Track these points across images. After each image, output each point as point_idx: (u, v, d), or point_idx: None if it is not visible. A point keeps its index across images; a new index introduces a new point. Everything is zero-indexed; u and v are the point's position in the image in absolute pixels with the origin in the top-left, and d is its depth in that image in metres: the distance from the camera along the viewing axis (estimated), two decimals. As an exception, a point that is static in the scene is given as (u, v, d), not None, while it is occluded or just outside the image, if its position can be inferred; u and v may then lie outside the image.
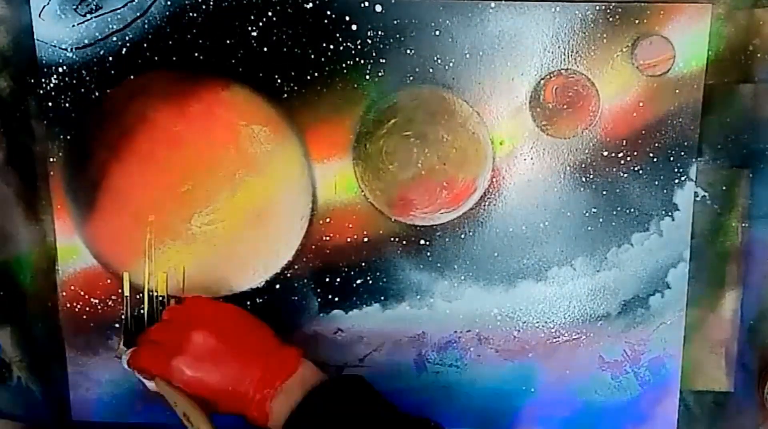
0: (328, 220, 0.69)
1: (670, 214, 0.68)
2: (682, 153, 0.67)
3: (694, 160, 0.67)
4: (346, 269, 0.70)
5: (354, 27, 0.65)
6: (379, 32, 0.65)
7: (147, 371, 0.62)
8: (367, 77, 0.66)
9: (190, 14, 0.66)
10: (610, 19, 0.64)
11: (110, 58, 0.67)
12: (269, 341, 0.63)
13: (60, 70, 0.67)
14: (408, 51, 0.66)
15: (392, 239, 0.69)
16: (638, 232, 0.68)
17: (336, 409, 0.57)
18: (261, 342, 0.63)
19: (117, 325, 0.72)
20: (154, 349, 0.63)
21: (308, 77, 0.66)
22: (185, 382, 0.60)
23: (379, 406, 0.59)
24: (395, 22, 0.65)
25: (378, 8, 0.65)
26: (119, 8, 0.66)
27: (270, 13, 0.65)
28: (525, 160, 0.67)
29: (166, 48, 0.66)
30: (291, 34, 0.66)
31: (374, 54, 0.66)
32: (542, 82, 0.66)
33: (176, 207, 0.69)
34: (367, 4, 0.65)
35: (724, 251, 0.69)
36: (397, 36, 0.65)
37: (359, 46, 0.66)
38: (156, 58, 0.67)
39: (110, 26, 0.66)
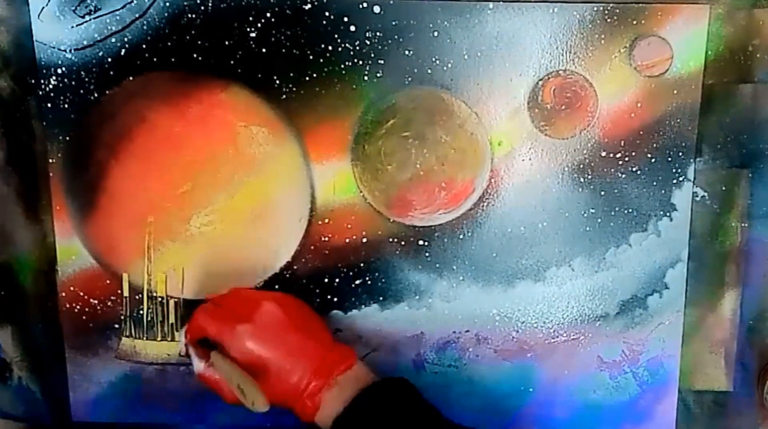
0: (326, 220, 0.69)
1: (668, 214, 0.68)
2: (681, 153, 0.67)
3: (692, 160, 0.67)
4: (344, 270, 0.70)
5: (352, 28, 0.65)
6: (378, 33, 0.65)
7: (205, 331, 0.61)
8: (366, 78, 0.66)
9: (189, 15, 0.66)
10: (608, 20, 0.64)
11: (109, 60, 0.67)
12: (327, 334, 0.63)
13: (59, 71, 0.67)
14: (406, 52, 0.66)
15: (391, 240, 0.69)
16: (636, 232, 0.68)
17: (389, 409, 0.58)
18: (321, 333, 0.63)
19: (117, 326, 0.72)
20: (219, 311, 0.62)
21: (307, 78, 0.66)
22: (244, 353, 0.59)
23: (428, 410, 0.59)
24: (394, 23, 0.65)
25: (376, 9, 0.65)
26: (118, 9, 0.66)
27: (268, 14, 0.66)
28: (523, 160, 0.67)
29: (165, 49, 0.66)
30: (289, 35, 0.66)
31: (373, 55, 0.66)
32: (540, 82, 0.66)
33: (175, 208, 0.69)
34: (365, 5, 0.65)
35: (723, 251, 0.69)
36: (396, 37, 0.65)
37: (358, 47, 0.66)
38: (155, 59, 0.67)
39: (109, 27, 0.66)
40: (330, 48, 0.66)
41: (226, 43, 0.66)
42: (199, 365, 0.63)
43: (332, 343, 0.62)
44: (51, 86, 0.68)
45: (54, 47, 0.67)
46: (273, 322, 0.61)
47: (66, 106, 0.68)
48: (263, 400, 0.57)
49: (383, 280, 0.70)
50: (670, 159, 0.67)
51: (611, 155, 0.67)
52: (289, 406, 0.60)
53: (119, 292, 0.71)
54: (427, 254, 0.69)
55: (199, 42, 0.66)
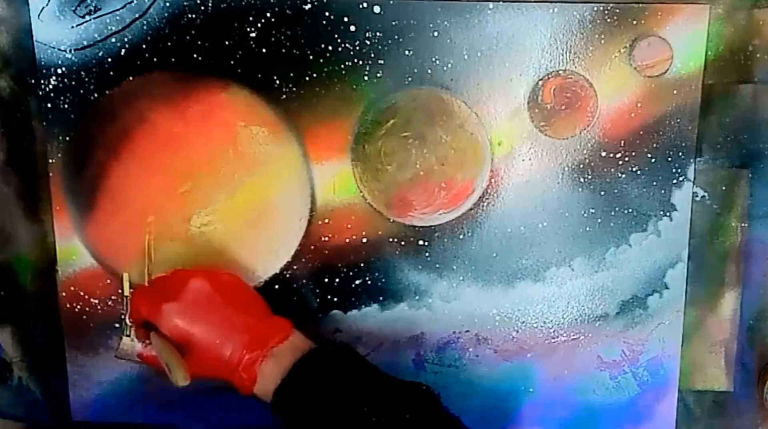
0: (326, 220, 0.69)
1: (668, 214, 0.68)
2: (680, 153, 0.67)
3: (692, 160, 0.67)
4: (344, 270, 0.70)
5: (352, 28, 0.65)
6: (378, 33, 0.65)
7: (139, 313, 0.62)
8: (366, 78, 0.66)
9: (189, 15, 0.66)
10: (608, 20, 0.64)
11: (109, 60, 0.67)
12: (262, 307, 0.63)
13: (59, 71, 0.67)
14: (406, 52, 0.66)
15: (391, 240, 0.69)
16: (636, 232, 0.68)
17: (330, 374, 0.57)
18: (256, 307, 0.63)
19: (117, 325, 0.72)
20: (149, 292, 0.63)
21: (307, 78, 0.66)
22: (173, 330, 0.60)
23: (371, 371, 0.59)
24: (394, 23, 0.65)
25: (376, 9, 0.65)
26: (118, 9, 0.66)
27: (269, 14, 0.66)
28: (523, 160, 0.67)
29: (165, 49, 0.66)
30: (290, 35, 0.66)
31: (373, 55, 0.66)
32: (540, 82, 0.66)
33: (175, 207, 0.69)
34: (365, 5, 0.65)
35: (723, 251, 0.69)
36: (396, 37, 0.65)
37: (358, 47, 0.66)
38: (155, 59, 0.67)
39: (109, 28, 0.66)
40: (330, 48, 0.66)
41: (226, 43, 0.66)
42: (137, 346, 0.63)
43: (268, 316, 0.62)
44: (51, 86, 0.68)
45: (54, 47, 0.67)
46: (200, 299, 0.61)
47: (66, 106, 0.68)
48: (183, 376, 0.57)
49: (383, 280, 0.70)
50: (670, 159, 0.67)
51: (611, 155, 0.67)
52: (227, 380, 0.60)
53: (119, 292, 0.71)
54: (427, 254, 0.69)
55: (199, 42, 0.66)
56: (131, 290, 0.65)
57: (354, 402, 0.56)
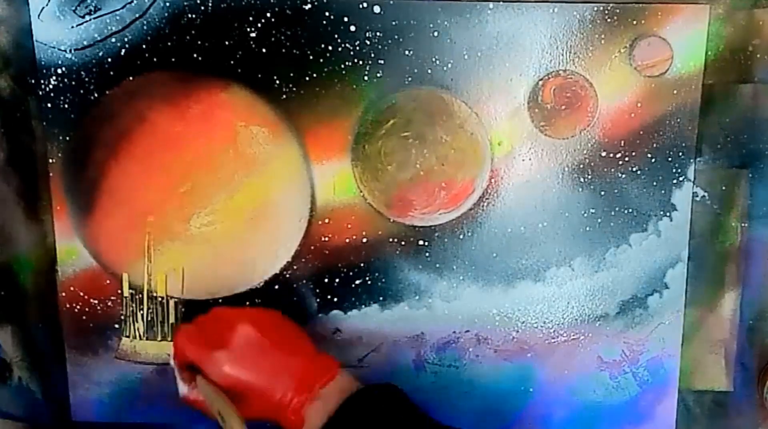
0: (326, 220, 0.69)
1: (668, 214, 0.68)
2: (681, 153, 0.67)
3: (692, 160, 0.67)
4: (344, 270, 0.70)
5: (352, 28, 0.65)
6: (378, 33, 0.65)
7: (185, 356, 0.61)
8: (366, 78, 0.66)
9: (189, 15, 0.66)
10: (608, 20, 0.64)
11: (109, 60, 0.67)
12: (308, 347, 0.62)
13: (59, 71, 0.67)
14: (406, 52, 0.66)
15: (391, 240, 0.69)
16: (636, 232, 0.68)
17: (374, 417, 0.57)
18: (301, 346, 0.62)
19: (117, 326, 0.72)
20: (196, 335, 0.62)
21: (307, 78, 0.66)
22: (223, 378, 0.59)
23: (414, 414, 0.59)
24: (394, 23, 0.65)
25: (376, 9, 0.65)
26: (118, 9, 0.66)
27: (269, 14, 0.66)
28: (523, 160, 0.67)
29: (165, 49, 0.66)
30: (290, 35, 0.66)
31: (373, 55, 0.66)
32: (540, 82, 0.66)
33: (175, 208, 0.69)
34: (365, 5, 0.65)
35: (723, 251, 0.69)
36: (396, 37, 0.65)
37: (358, 47, 0.66)
38: (155, 59, 0.67)
39: (109, 27, 0.66)
40: (330, 48, 0.66)
41: (226, 43, 0.66)
42: (183, 388, 0.63)
43: (314, 356, 0.62)
44: (51, 86, 0.68)
45: (54, 47, 0.67)
46: (249, 344, 0.60)
47: (66, 106, 0.68)
48: (240, 424, 0.57)
49: (383, 280, 0.70)
50: (670, 159, 0.67)
51: (611, 155, 0.67)
52: (275, 420, 0.60)
53: (119, 292, 0.71)
54: (427, 254, 0.69)
55: (199, 42, 0.66)
56: (175, 330, 0.64)
57: None
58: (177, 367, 0.63)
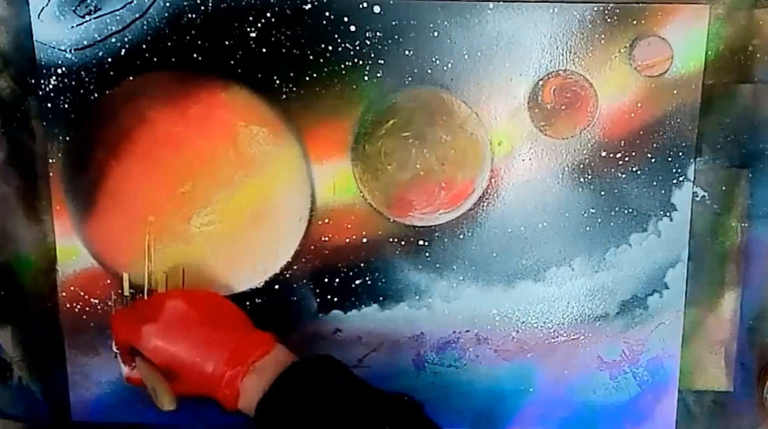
0: (326, 220, 0.69)
1: (668, 214, 0.68)
2: (680, 153, 0.67)
3: (692, 160, 0.67)
4: (344, 270, 0.70)
5: (352, 28, 0.65)
6: (378, 33, 0.65)
7: (119, 337, 0.62)
8: (366, 78, 0.66)
9: (189, 15, 0.66)
10: (608, 20, 0.64)
11: (109, 60, 0.67)
12: (243, 322, 0.63)
13: (59, 71, 0.67)
14: (406, 52, 0.66)
15: (391, 240, 0.69)
16: (636, 232, 0.68)
17: (312, 387, 0.57)
18: (235, 322, 0.63)
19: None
20: (127, 315, 0.63)
21: (307, 78, 0.66)
22: (154, 352, 0.60)
23: (354, 383, 0.59)
24: (394, 23, 0.65)
25: (376, 9, 0.65)
26: (118, 9, 0.66)
27: (269, 14, 0.66)
28: (523, 160, 0.67)
29: (165, 49, 0.66)
30: (290, 35, 0.66)
31: (373, 55, 0.66)
32: (540, 82, 0.66)
33: (175, 208, 0.69)
34: (365, 5, 0.65)
35: (723, 251, 0.69)
36: (396, 37, 0.65)
37: (358, 47, 0.66)
38: (155, 59, 0.67)
39: (109, 27, 0.66)
40: (330, 48, 0.66)
41: (226, 43, 0.66)
42: (124, 370, 0.64)
43: (249, 331, 0.62)
44: (51, 86, 0.68)
45: (54, 47, 0.67)
46: (178, 318, 0.61)
47: (66, 106, 0.68)
48: (170, 400, 0.58)
49: (383, 280, 0.70)
50: (670, 159, 0.67)
51: (611, 155, 0.67)
52: (212, 396, 0.60)
53: (119, 292, 0.71)
54: (427, 254, 0.69)
55: (199, 42, 0.66)
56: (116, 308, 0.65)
57: (336, 414, 0.55)
58: (118, 349, 0.64)
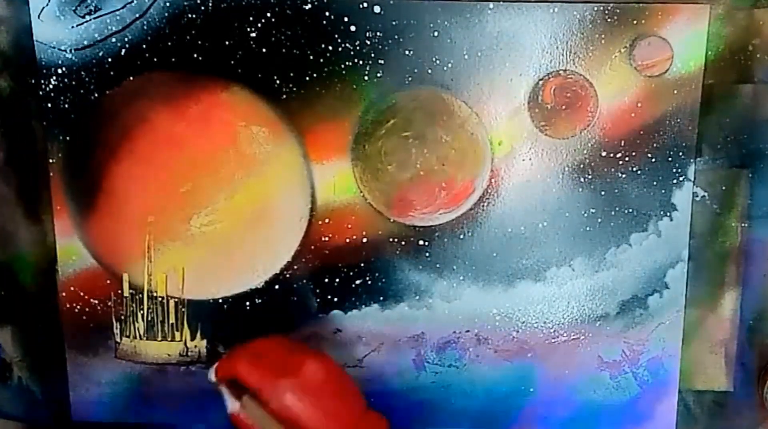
0: (327, 220, 0.69)
1: (668, 214, 0.68)
2: (681, 153, 0.67)
3: (692, 160, 0.67)
4: (345, 270, 0.70)
5: (353, 28, 0.65)
6: (378, 33, 0.65)
7: (242, 379, 0.60)
8: (366, 78, 0.66)
9: (190, 15, 0.66)
10: (609, 20, 0.64)
11: (109, 60, 0.67)
12: (360, 400, 0.62)
13: (59, 71, 0.67)
14: (407, 52, 0.66)
15: (391, 240, 0.69)
16: (637, 232, 0.68)
17: None
18: (356, 399, 0.62)
19: (117, 326, 0.72)
20: (257, 360, 0.61)
21: (307, 78, 0.66)
22: (282, 408, 0.58)
23: None
24: (394, 23, 0.65)
25: (377, 9, 0.65)
26: (118, 9, 0.66)
27: (269, 14, 0.66)
28: (523, 160, 0.67)
29: (165, 49, 0.66)
30: (290, 35, 0.66)
31: (373, 55, 0.66)
32: (541, 82, 0.66)
33: (175, 208, 0.69)
34: (365, 5, 0.65)
35: (723, 251, 0.69)
36: (396, 37, 0.65)
37: (358, 47, 0.66)
38: (155, 59, 0.67)
39: (109, 27, 0.66)
40: (330, 48, 0.66)
41: (226, 43, 0.66)
42: (233, 405, 0.61)
43: (365, 412, 0.61)
44: (51, 86, 0.68)
45: (54, 47, 0.67)
46: (315, 382, 0.59)
47: (66, 106, 0.68)
48: None
49: (383, 280, 0.70)
50: (670, 159, 0.67)
51: (611, 155, 0.67)
52: None
53: (119, 292, 0.71)
54: (427, 254, 0.69)
55: (199, 42, 0.66)
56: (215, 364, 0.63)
57: None
58: (220, 382, 0.62)
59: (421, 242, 0.69)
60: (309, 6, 0.65)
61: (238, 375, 0.61)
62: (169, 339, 0.72)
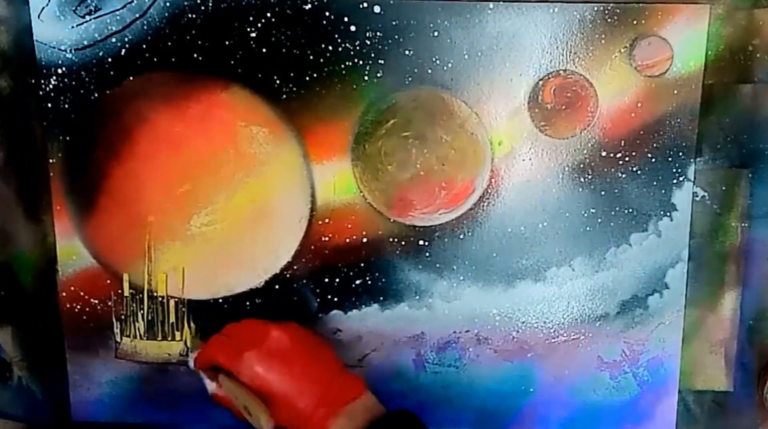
0: (327, 220, 0.69)
1: (668, 214, 0.68)
2: (681, 153, 0.67)
3: (692, 160, 0.67)
4: (345, 270, 0.70)
5: (353, 28, 0.65)
6: (378, 33, 0.65)
7: (215, 361, 0.62)
8: (366, 78, 0.66)
9: (189, 15, 0.66)
10: (609, 20, 0.64)
11: (109, 60, 0.67)
12: (336, 362, 0.63)
13: (59, 71, 0.67)
14: (407, 52, 0.66)
15: (391, 240, 0.69)
16: (637, 232, 0.68)
17: None
18: (329, 360, 0.63)
19: (117, 326, 0.72)
20: (226, 341, 0.63)
21: (307, 78, 0.66)
22: (252, 378, 0.60)
23: None
24: (394, 23, 0.65)
25: (377, 9, 0.65)
26: (118, 9, 0.66)
27: (269, 14, 0.66)
28: (523, 160, 0.67)
29: (165, 49, 0.66)
30: (290, 35, 0.66)
31: (373, 55, 0.66)
32: (541, 82, 0.66)
33: (175, 208, 0.69)
34: (365, 5, 0.65)
35: (723, 251, 0.69)
36: (396, 37, 0.65)
37: (358, 47, 0.66)
38: (155, 59, 0.67)
39: (109, 27, 0.66)
40: (330, 48, 0.66)
41: (226, 43, 0.66)
42: (211, 386, 0.64)
43: (341, 373, 0.62)
44: (51, 86, 0.68)
45: (54, 47, 0.67)
46: (280, 349, 0.61)
47: (66, 106, 0.68)
48: (267, 419, 0.58)
49: (383, 280, 0.70)
50: (670, 159, 0.67)
51: (611, 155, 0.67)
52: None
53: (119, 292, 0.71)
54: (427, 254, 0.69)
55: (199, 42, 0.66)
56: (194, 351, 0.66)
57: None
58: (199, 369, 0.65)
59: (421, 242, 0.69)
60: (309, 6, 0.65)
61: (212, 358, 0.63)
62: (170, 339, 0.72)
